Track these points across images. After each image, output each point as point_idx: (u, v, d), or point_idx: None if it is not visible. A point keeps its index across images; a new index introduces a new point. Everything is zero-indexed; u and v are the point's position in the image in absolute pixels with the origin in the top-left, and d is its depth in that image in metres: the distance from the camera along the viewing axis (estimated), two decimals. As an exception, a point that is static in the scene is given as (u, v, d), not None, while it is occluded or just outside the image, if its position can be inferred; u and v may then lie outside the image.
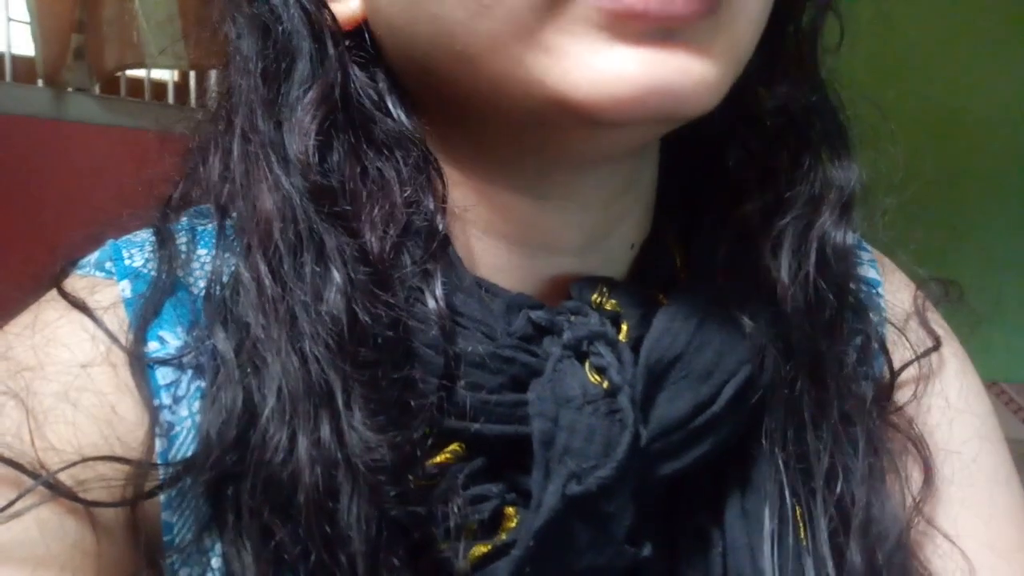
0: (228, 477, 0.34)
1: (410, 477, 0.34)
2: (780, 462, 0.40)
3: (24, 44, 1.76)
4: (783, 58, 0.41)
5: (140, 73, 1.92)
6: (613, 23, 0.31)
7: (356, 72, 0.37)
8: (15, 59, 1.74)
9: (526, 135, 0.36)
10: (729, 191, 0.42)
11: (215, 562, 0.35)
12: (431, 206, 0.37)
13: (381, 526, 0.33)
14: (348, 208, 0.36)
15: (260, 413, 0.34)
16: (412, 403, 0.34)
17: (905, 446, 0.44)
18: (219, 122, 0.39)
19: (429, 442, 0.35)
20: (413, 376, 0.35)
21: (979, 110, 2.01)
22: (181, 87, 1.91)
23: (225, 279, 0.37)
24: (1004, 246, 2.01)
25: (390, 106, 0.38)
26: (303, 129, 0.36)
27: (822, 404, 0.41)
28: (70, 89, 1.80)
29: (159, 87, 1.94)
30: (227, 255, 0.37)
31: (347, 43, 0.38)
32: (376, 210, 0.36)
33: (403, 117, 0.38)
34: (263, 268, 0.35)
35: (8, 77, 1.72)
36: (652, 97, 0.32)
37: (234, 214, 0.37)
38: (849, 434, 0.41)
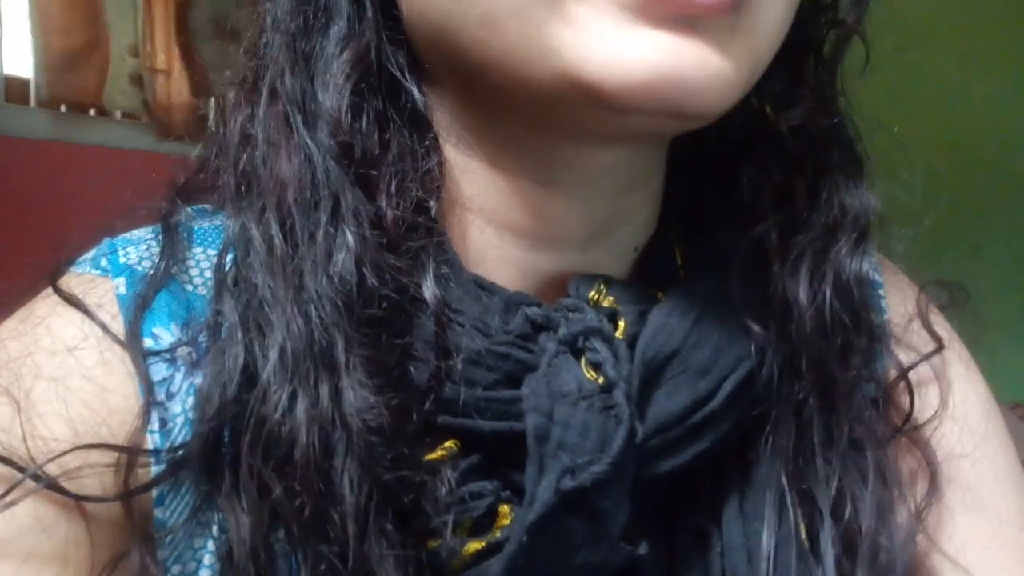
0: (225, 437, 0.34)
1: (403, 445, 0.34)
2: (784, 481, 0.39)
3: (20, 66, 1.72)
4: (803, 85, 0.41)
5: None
6: (638, 2, 0.31)
7: (385, 40, 0.38)
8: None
9: (535, 108, 0.36)
10: (739, 203, 0.42)
11: (207, 559, 0.36)
12: (431, 188, 0.37)
13: (373, 490, 0.33)
14: (370, 172, 0.36)
15: (261, 371, 0.34)
16: (411, 370, 0.35)
17: (911, 451, 0.43)
18: (244, 84, 0.40)
19: (414, 426, 0.34)
20: (413, 346, 0.35)
21: (997, 130, 2.00)
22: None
23: (235, 246, 0.37)
24: (1022, 267, 1.99)
25: (409, 80, 0.38)
26: (337, 86, 0.36)
27: (831, 430, 0.40)
28: (119, 115, 1.80)
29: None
30: (239, 222, 0.37)
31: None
32: (393, 180, 0.36)
33: (417, 93, 0.38)
34: (275, 228, 0.35)
35: (33, 102, 1.76)
36: (666, 85, 0.32)
37: (250, 181, 0.37)
38: (858, 463, 0.40)
